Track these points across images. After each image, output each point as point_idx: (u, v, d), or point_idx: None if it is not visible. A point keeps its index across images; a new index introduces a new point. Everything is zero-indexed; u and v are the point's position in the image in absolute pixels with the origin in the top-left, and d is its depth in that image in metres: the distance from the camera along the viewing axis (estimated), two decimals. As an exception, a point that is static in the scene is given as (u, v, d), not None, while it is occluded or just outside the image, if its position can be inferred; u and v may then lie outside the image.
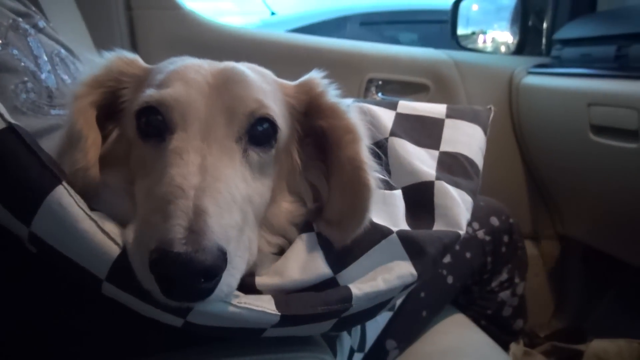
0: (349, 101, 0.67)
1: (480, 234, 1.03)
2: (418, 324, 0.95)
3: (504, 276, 1.09)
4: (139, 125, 0.56)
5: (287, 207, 0.63)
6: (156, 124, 0.55)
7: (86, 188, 0.54)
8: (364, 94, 1.62)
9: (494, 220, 1.06)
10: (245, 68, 0.60)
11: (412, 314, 0.93)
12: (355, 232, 0.60)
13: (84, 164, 0.55)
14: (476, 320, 1.09)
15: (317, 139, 0.65)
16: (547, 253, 1.74)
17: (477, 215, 1.04)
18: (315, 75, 0.66)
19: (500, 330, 1.13)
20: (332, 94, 0.64)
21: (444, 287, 0.98)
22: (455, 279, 0.99)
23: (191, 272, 0.44)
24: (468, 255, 1.01)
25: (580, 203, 1.53)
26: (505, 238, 1.06)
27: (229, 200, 0.51)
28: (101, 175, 0.58)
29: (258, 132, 0.57)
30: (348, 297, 0.57)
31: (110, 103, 0.61)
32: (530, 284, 1.20)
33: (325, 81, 0.65)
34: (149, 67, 0.63)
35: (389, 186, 0.68)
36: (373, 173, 0.60)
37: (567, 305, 1.75)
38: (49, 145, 0.59)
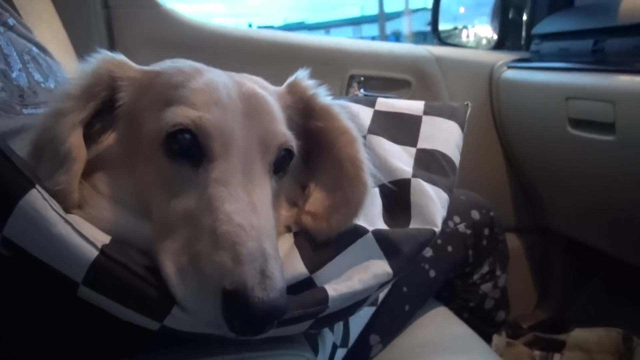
0: (322, 88, 0.68)
1: (462, 227, 1.04)
2: (401, 319, 0.96)
3: (485, 269, 1.10)
4: (165, 143, 0.54)
5: (285, 214, 0.65)
6: (186, 144, 0.54)
7: (63, 207, 0.52)
8: (346, 91, 1.63)
9: (475, 214, 1.07)
10: (262, 91, 0.60)
11: (395, 309, 0.93)
12: (345, 226, 0.61)
13: (66, 187, 0.53)
14: (459, 312, 1.09)
15: (304, 140, 0.65)
16: (530, 245, 1.76)
17: (458, 209, 1.05)
18: (302, 77, 0.67)
19: (482, 322, 1.14)
20: (323, 94, 0.66)
21: (427, 281, 0.99)
22: (437, 273, 1.00)
23: (271, 315, 0.47)
24: (450, 248, 1.02)
25: (561, 195, 1.55)
26: (486, 231, 1.07)
27: (276, 238, 0.53)
28: (91, 180, 0.57)
29: (279, 161, 0.59)
30: (324, 299, 0.58)
31: (101, 108, 0.59)
32: (513, 276, 1.22)
33: (313, 82, 0.67)
34: (148, 69, 0.61)
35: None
36: (369, 172, 0.63)
37: (550, 296, 1.77)
38: (23, 145, 0.58)
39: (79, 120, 0.55)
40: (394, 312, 0.93)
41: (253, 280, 0.46)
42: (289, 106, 0.64)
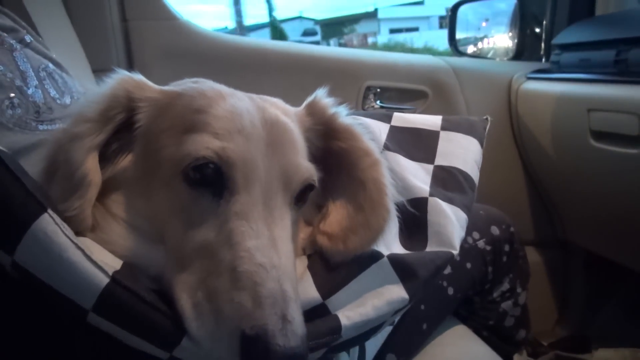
0: (342, 107, 0.66)
1: (481, 243, 1.01)
2: (418, 337, 0.94)
3: (506, 286, 1.07)
4: (186, 172, 0.52)
5: (302, 236, 0.64)
6: (208, 174, 0.52)
7: (75, 231, 0.51)
8: (362, 102, 1.61)
9: (495, 230, 1.04)
10: (285, 117, 0.58)
11: (413, 327, 0.91)
12: (362, 249, 0.60)
13: (80, 213, 0.52)
14: (477, 331, 1.07)
15: (322, 158, 0.64)
16: (550, 259, 1.72)
17: (478, 224, 1.02)
18: (321, 96, 0.65)
19: (502, 341, 1.11)
20: (343, 113, 0.65)
21: (445, 299, 0.96)
22: (455, 290, 0.97)
23: None
24: (468, 265, 0.99)
25: (582, 209, 1.51)
26: (506, 247, 1.05)
27: (296, 276, 0.52)
28: (105, 201, 0.56)
29: (300, 194, 0.57)
30: (337, 328, 0.56)
31: (119, 128, 0.57)
32: (532, 291, 1.19)
33: (333, 100, 0.65)
34: (168, 90, 0.60)
35: None
36: (392, 197, 0.61)
37: (571, 312, 1.73)
38: (38, 160, 0.58)
39: (95, 145, 0.54)
40: (411, 331, 0.91)
41: (274, 326, 0.45)
42: (308, 129, 0.63)
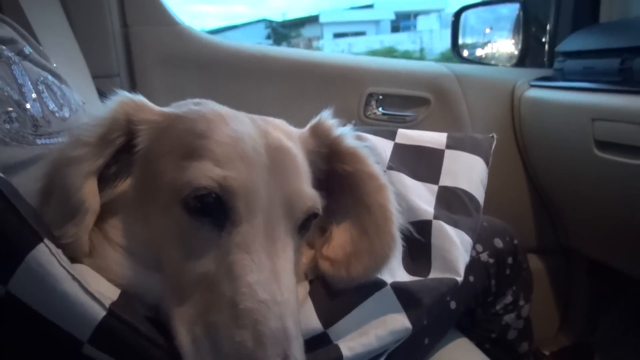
0: (347, 128, 0.65)
1: (484, 256, 1.00)
2: (420, 352, 0.92)
3: (509, 299, 1.06)
4: (186, 200, 0.51)
5: (304, 260, 0.63)
6: (209, 203, 0.51)
7: (72, 257, 0.50)
8: (364, 109, 1.60)
9: (498, 242, 1.03)
10: (288, 142, 0.57)
11: (414, 342, 0.89)
12: (365, 277, 0.59)
13: (76, 240, 0.51)
14: (480, 343, 1.05)
15: (326, 180, 0.63)
16: (552, 267, 1.71)
17: (481, 237, 1.01)
18: (326, 117, 0.64)
19: (505, 353, 1.09)
20: (349, 136, 0.64)
21: (447, 313, 0.95)
22: (458, 304, 0.96)
23: None
24: (471, 278, 0.98)
25: (585, 217, 1.50)
26: (510, 260, 1.03)
27: (298, 311, 0.51)
28: (102, 226, 0.55)
29: (304, 222, 0.56)
30: (338, 359, 0.55)
31: (118, 151, 0.57)
32: (535, 298, 1.17)
33: (337, 122, 0.64)
34: (168, 111, 0.58)
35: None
36: (398, 224, 0.60)
37: (573, 319, 1.72)
38: (35, 174, 0.57)
39: (94, 169, 0.53)
40: (413, 346, 0.89)
41: None
42: (312, 151, 0.62)
